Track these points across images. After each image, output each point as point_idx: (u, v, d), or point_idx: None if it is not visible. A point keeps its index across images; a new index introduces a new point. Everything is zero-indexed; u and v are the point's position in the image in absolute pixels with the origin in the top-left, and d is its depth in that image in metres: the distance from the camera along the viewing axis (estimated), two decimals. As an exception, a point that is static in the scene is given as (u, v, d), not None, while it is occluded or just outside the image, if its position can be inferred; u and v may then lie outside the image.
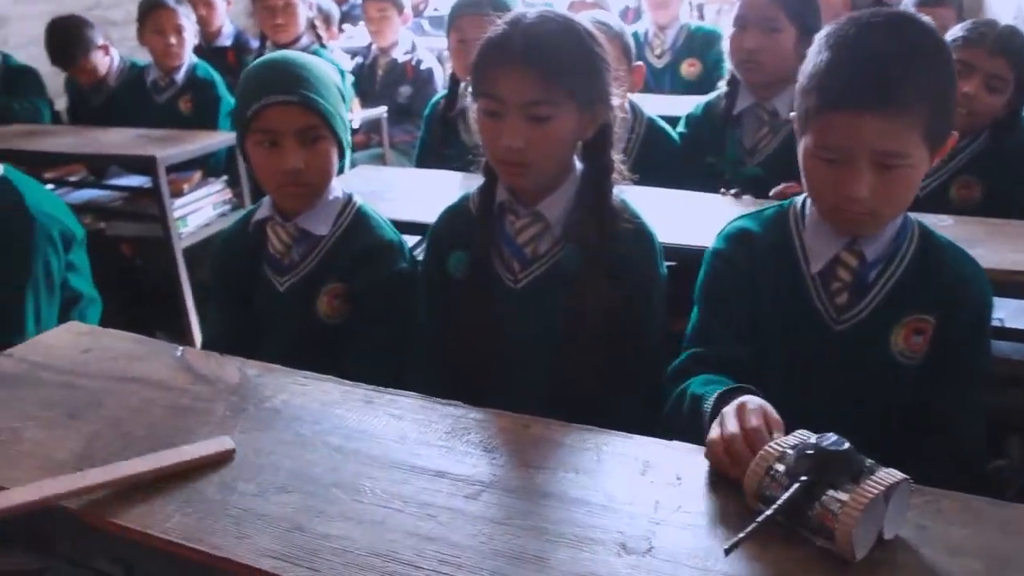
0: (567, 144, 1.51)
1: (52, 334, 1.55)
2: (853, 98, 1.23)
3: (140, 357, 1.42)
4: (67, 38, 3.72)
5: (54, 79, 4.07)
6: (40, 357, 1.44)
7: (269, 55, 1.74)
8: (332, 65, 2.67)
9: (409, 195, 2.24)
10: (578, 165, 1.56)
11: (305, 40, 3.77)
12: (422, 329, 1.66)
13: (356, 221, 1.73)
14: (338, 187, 1.76)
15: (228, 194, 3.35)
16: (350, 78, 3.88)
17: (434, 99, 2.84)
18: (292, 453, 1.13)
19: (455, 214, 1.65)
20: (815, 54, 1.32)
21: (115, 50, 3.92)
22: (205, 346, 1.91)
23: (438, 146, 2.69)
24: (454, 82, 2.66)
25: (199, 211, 3.20)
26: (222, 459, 1.12)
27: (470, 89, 1.53)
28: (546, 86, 1.42)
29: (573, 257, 1.51)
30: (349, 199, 1.76)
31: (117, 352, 1.44)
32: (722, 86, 2.38)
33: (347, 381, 1.31)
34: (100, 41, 3.79)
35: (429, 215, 1.74)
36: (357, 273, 1.69)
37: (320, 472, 1.08)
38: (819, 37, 1.33)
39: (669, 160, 2.29)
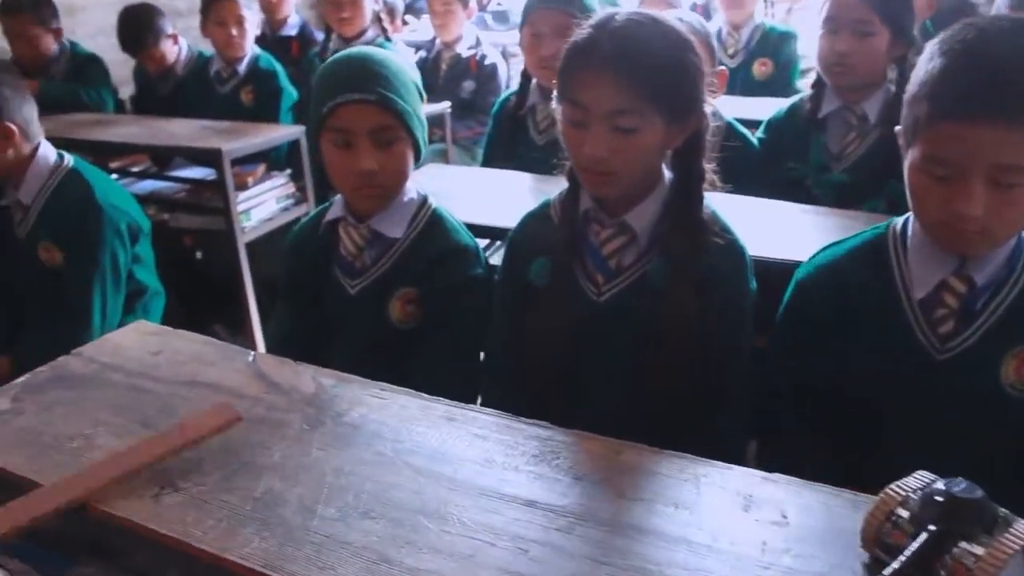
0: (654, 154, 1.41)
1: (120, 333, 1.51)
2: (970, 106, 1.14)
3: (211, 362, 1.37)
4: (138, 25, 3.75)
5: (117, 68, 4.09)
6: (108, 357, 1.40)
7: (347, 51, 1.68)
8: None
9: (476, 196, 2.17)
10: (667, 173, 1.48)
11: (371, 33, 3.74)
12: (498, 338, 1.60)
13: (431, 224, 1.67)
14: (412, 188, 1.70)
15: (291, 188, 3.32)
16: (414, 72, 3.84)
17: (503, 96, 2.76)
18: (373, 474, 1.07)
19: (536, 220, 1.57)
20: (927, 61, 1.23)
21: (183, 40, 3.94)
22: (270, 344, 1.88)
23: (507, 144, 2.62)
24: (525, 79, 2.56)
25: (262, 205, 3.18)
26: (229, 424, 1.16)
27: (555, 93, 1.45)
28: (633, 95, 1.32)
29: (660, 270, 1.42)
30: (424, 201, 1.70)
31: (187, 355, 1.40)
32: (803, 87, 2.29)
33: (426, 395, 1.25)
34: (170, 30, 3.82)
35: (497, 218, 1.67)
36: (431, 277, 1.63)
37: (404, 497, 1.02)
38: (932, 43, 1.24)
39: (748, 166, 2.19)
